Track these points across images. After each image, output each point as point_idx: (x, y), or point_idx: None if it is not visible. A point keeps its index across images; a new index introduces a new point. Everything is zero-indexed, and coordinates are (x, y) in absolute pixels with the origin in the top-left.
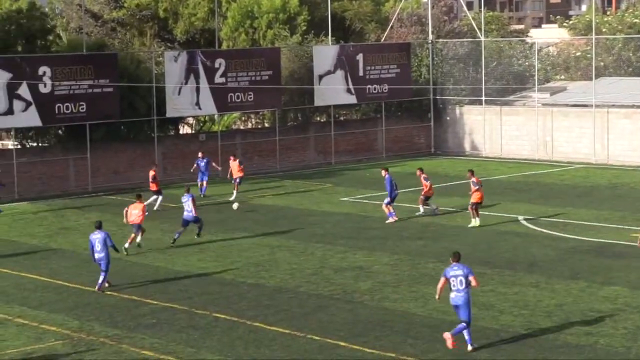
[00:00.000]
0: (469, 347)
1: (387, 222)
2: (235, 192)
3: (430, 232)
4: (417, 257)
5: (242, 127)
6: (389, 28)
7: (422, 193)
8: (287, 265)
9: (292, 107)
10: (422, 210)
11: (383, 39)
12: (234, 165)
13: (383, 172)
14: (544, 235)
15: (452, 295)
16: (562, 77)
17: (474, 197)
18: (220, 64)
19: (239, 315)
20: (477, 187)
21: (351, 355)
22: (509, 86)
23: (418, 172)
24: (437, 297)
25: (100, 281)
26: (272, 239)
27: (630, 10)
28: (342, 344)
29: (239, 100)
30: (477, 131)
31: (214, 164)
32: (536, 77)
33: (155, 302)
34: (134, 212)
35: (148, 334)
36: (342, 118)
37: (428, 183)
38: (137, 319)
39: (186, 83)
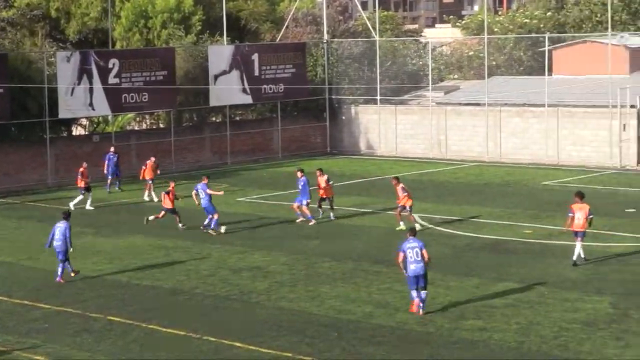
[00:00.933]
0: (421, 311)
1: (310, 223)
2: (148, 192)
3: (326, 232)
4: (313, 257)
5: (136, 128)
6: (284, 28)
7: (320, 195)
8: (183, 266)
9: (187, 107)
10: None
11: (278, 38)
12: (150, 166)
13: (299, 174)
14: (439, 232)
15: (412, 267)
16: (456, 76)
17: (403, 202)
18: (114, 64)
19: (134, 318)
20: (406, 193)
21: (248, 356)
22: (403, 85)
23: (318, 173)
24: (401, 270)
25: (59, 272)
26: (167, 240)
27: (521, 11)
28: (239, 344)
29: (133, 100)
30: (373, 130)
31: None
32: (430, 77)
33: (48, 306)
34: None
35: (40, 338)
36: (237, 118)
37: (330, 184)
38: (28, 323)
39: (79, 84)
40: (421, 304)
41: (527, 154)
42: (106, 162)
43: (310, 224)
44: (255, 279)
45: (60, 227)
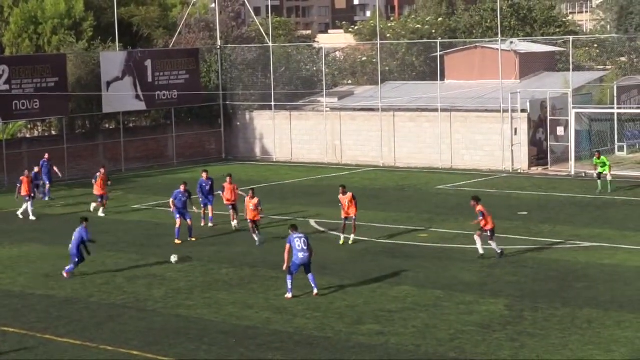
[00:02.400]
0: (315, 291)
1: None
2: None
3: (224, 238)
4: (210, 263)
5: (28, 136)
6: (177, 34)
7: (225, 199)
8: (78, 275)
9: (79, 114)
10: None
11: (171, 45)
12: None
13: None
14: (336, 237)
15: (300, 255)
16: (349, 81)
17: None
18: (3, 71)
19: (29, 328)
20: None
21: None
22: (297, 91)
23: (228, 179)
24: (284, 266)
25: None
26: (61, 248)
27: (413, 17)
28: (136, 352)
29: (24, 107)
30: (268, 136)
31: (55, 168)
32: (324, 82)
33: None
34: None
35: None
36: (131, 125)
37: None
38: None
39: None
40: (313, 283)
41: (421, 159)
42: (42, 169)
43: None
44: (152, 286)
45: (75, 230)
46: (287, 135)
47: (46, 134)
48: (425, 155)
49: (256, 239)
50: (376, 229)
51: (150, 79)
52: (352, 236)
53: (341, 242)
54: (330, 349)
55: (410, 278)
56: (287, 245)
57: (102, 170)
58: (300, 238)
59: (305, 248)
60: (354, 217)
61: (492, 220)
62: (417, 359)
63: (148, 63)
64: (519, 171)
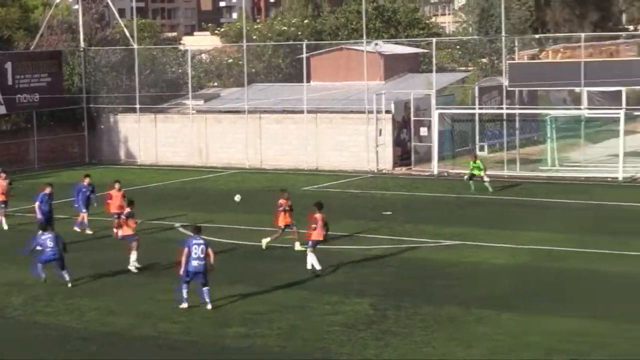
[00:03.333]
0: (209, 306)
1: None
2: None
3: (87, 244)
4: (73, 269)
5: None
6: (38, 36)
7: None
8: None
9: None
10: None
11: (33, 47)
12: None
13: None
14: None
15: (194, 263)
16: (216, 83)
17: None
18: None
19: None
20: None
21: None
22: (163, 94)
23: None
24: (181, 270)
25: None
26: None
27: (279, 18)
28: None
29: None
30: (132, 139)
31: None
32: (190, 84)
33: None
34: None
35: None
36: None
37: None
38: None
39: None
40: (207, 299)
41: (287, 160)
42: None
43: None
44: (11, 293)
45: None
46: (152, 138)
47: None
48: (292, 156)
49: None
50: (243, 231)
51: (10, 82)
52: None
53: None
54: (196, 352)
55: (278, 280)
56: (185, 249)
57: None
58: (199, 245)
59: (202, 256)
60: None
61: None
62: (282, 359)
63: (8, 65)
64: (384, 171)
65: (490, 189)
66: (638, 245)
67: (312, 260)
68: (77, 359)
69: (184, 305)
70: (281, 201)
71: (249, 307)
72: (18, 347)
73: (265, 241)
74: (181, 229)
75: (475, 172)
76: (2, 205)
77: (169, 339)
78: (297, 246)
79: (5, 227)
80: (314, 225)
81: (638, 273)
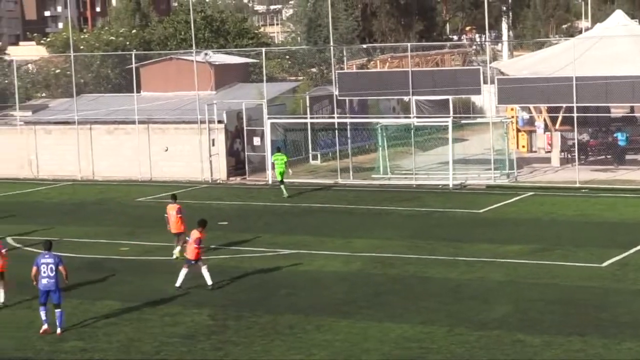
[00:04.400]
0: (58, 331)
1: None
2: None
3: None
4: None
5: None
6: None
7: None
8: None
9: None
10: None
11: None
12: None
13: None
14: (32, 254)
15: (44, 282)
16: (44, 94)
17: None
18: None
19: None
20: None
21: None
22: None
23: None
24: (34, 283)
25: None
26: None
27: (107, 28)
28: None
29: None
30: None
31: None
32: (17, 95)
33: None
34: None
35: None
36: None
37: None
38: None
39: None
40: (57, 322)
41: (120, 171)
42: None
43: None
44: None
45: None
46: None
47: None
48: (125, 167)
49: None
50: (76, 244)
51: None
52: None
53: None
54: None
55: (113, 292)
56: (34, 268)
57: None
58: (47, 264)
59: (51, 274)
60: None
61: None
62: None
63: None
64: (218, 181)
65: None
66: (469, 251)
67: (182, 276)
68: None
69: (44, 327)
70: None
71: (87, 321)
72: None
73: (176, 251)
74: (12, 242)
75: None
76: None
77: (3, 357)
78: (176, 253)
79: None
80: (196, 245)
81: (469, 278)
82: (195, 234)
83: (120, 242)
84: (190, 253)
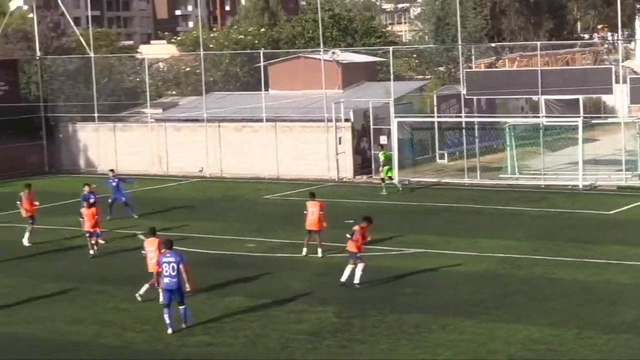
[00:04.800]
0: (183, 325)
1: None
2: None
3: (47, 253)
4: (34, 279)
5: None
6: None
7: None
8: None
9: None
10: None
11: None
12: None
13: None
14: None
15: (166, 280)
16: (174, 92)
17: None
18: None
19: None
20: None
21: None
22: (121, 102)
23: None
24: (157, 285)
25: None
26: None
27: (235, 27)
28: None
29: None
30: (92, 148)
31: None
32: (148, 93)
33: None
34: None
35: None
36: None
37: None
38: None
39: None
40: (182, 318)
41: (247, 169)
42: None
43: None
44: None
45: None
46: (111, 147)
47: None
48: (252, 165)
49: (91, 252)
50: (204, 240)
51: None
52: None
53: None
54: None
55: (240, 288)
56: (157, 268)
57: (27, 192)
58: (169, 263)
59: (173, 273)
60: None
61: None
62: None
63: None
64: (345, 180)
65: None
66: (598, 253)
67: (348, 273)
68: None
69: (169, 331)
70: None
71: (213, 316)
72: None
73: (319, 251)
74: (142, 237)
75: (389, 173)
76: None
77: (134, 348)
78: (320, 253)
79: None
80: (357, 236)
81: (597, 280)
82: (358, 229)
83: (247, 239)
84: (355, 246)
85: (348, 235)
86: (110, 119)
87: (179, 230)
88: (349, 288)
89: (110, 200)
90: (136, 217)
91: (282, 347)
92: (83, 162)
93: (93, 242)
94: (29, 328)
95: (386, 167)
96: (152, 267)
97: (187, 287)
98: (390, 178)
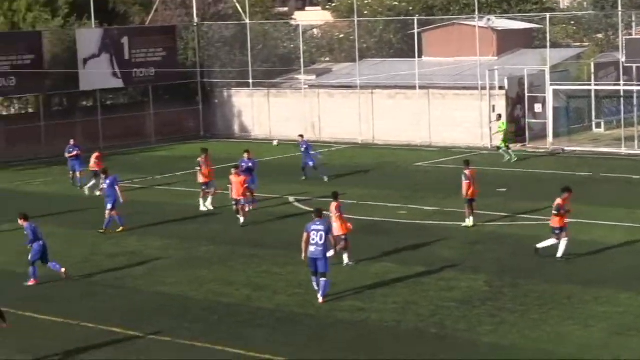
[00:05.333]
0: (320, 299)
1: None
2: None
3: (204, 216)
4: (189, 241)
5: (4, 113)
6: (153, 11)
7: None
8: (57, 252)
9: (56, 91)
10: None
11: (148, 22)
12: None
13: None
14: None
15: (312, 249)
16: (327, 58)
17: (468, 193)
18: None
19: (8, 306)
20: (469, 180)
21: (126, 341)
22: (275, 69)
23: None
24: (303, 255)
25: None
26: (42, 226)
27: None
28: (117, 329)
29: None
30: (246, 113)
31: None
32: (302, 59)
33: None
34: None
35: None
36: (109, 102)
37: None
38: None
39: None
40: (321, 290)
41: (400, 136)
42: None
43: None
44: (131, 264)
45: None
46: (265, 113)
47: (23, 112)
48: (404, 132)
49: (241, 220)
50: (356, 206)
51: (127, 57)
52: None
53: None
54: (312, 325)
55: (391, 255)
56: (305, 235)
57: (204, 156)
58: (317, 231)
59: (320, 242)
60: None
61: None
62: (397, 334)
63: (125, 40)
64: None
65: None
66: None
67: (549, 244)
68: (197, 329)
69: (319, 298)
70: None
71: (363, 282)
72: (139, 316)
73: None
74: (296, 204)
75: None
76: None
77: (286, 312)
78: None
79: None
80: (563, 210)
81: None
82: (561, 202)
83: (398, 206)
84: (559, 222)
85: (554, 212)
86: (265, 85)
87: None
88: (500, 258)
89: (303, 165)
90: (326, 179)
91: (431, 314)
92: (237, 128)
93: (242, 209)
94: (184, 288)
95: (504, 135)
96: (338, 229)
97: (330, 253)
98: (507, 147)
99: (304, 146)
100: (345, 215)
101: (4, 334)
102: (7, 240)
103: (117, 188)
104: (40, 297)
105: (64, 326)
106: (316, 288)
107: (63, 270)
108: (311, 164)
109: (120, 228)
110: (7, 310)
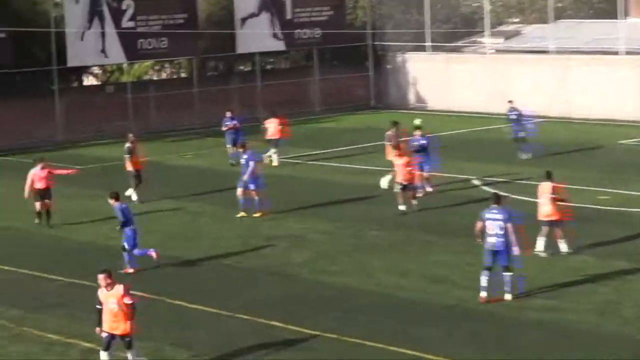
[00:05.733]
0: (508, 296)
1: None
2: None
3: (374, 197)
4: (358, 224)
5: (155, 78)
6: None
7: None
8: (210, 234)
9: (211, 54)
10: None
11: None
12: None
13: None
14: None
15: (491, 240)
16: (516, 19)
17: None
18: (128, 6)
19: (157, 292)
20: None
21: (287, 337)
22: (457, 30)
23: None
24: (478, 240)
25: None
26: (193, 204)
27: None
28: (276, 323)
29: (150, 47)
30: (422, 81)
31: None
32: (487, 20)
33: (60, 278)
34: None
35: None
36: (269, 67)
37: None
38: (40, 298)
39: (90, 28)
40: (505, 288)
41: (600, 109)
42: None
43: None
44: (292, 249)
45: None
46: (444, 81)
47: (174, 77)
48: (605, 105)
49: (401, 207)
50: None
51: (289, 16)
52: None
53: None
54: (496, 324)
55: (590, 247)
56: (479, 224)
57: (394, 129)
58: (494, 220)
59: (500, 232)
60: None
61: None
62: (596, 338)
63: None
64: None
65: None
66: None
67: None
68: (366, 326)
69: (482, 294)
70: None
71: (558, 278)
72: (300, 308)
73: None
74: (477, 183)
75: None
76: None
77: (465, 308)
78: None
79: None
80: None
81: None
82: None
83: (597, 190)
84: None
85: None
86: (445, 48)
87: (517, 176)
88: None
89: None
90: (524, 157)
91: (637, 316)
92: (413, 97)
93: (410, 196)
94: (350, 279)
95: None
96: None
97: (515, 250)
98: None
99: (515, 114)
100: (532, 199)
101: (150, 325)
102: (147, 218)
103: (251, 164)
104: (191, 283)
105: (215, 317)
106: (483, 285)
107: (154, 254)
108: (520, 134)
109: (258, 213)
110: (156, 297)
